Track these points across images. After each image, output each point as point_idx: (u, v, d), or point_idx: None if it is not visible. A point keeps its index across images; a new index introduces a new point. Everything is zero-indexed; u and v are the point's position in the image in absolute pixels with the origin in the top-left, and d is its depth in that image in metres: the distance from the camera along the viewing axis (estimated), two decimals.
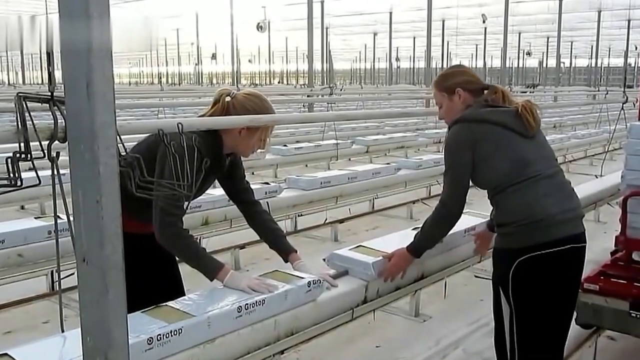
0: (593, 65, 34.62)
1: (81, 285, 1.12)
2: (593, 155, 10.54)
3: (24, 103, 1.21)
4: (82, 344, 1.14)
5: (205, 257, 2.16)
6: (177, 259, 2.38)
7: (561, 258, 2.08)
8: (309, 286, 2.26)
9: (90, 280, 1.11)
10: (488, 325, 3.34)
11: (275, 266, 2.43)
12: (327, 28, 26.57)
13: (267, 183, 4.96)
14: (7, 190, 1.24)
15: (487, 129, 2.17)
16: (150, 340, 1.77)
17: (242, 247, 4.63)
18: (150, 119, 10.35)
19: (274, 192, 4.71)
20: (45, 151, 1.25)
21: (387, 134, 10.87)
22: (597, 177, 5.90)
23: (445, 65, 32.83)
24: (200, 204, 3.98)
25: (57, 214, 1.49)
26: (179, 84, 35.16)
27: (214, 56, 34.35)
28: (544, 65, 34.09)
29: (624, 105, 6.17)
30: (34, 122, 1.23)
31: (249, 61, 40.70)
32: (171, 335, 1.83)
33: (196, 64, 34.90)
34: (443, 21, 28.45)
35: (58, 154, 1.27)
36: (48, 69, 1.23)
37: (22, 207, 6.18)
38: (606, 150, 8.33)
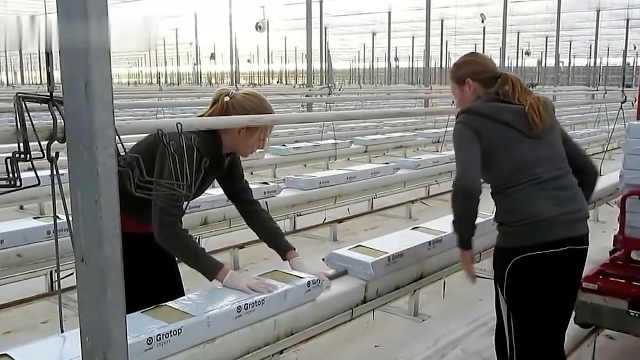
0: (592, 65, 34.64)
1: (80, 285, 1.12)
2: (592, 155, 10.49)
3: (23, 103, 1.21)
4: (81, 344, 1.14)
5: (204, 257, 2.16)
6: (176, 259, 2.38)
7: (558, 259, 2.08)
8: (308, 286, 2.26)
9: (89, 281, 1.11)
10: (487, 325, 3.34)
11: (274, 266, 2.43)
12: (326, 28, 26.57)
13: (266, 183, 4.97)
14: (6, 190, 1.24)
15: (490, 125, 2.14)
16: (150, 341, 1.78)
17: (241, 247, 4.63)
18: (149, 119, 10.36)
19: (273, 192, 4.71)
20: (45, 151, 1.25)
21: (386, 134, 10.88)
22: None
23: (444, 66, 32.91)
24: (199, 204, 3.99)
25: (57, 214, 1.49)
26: (178, 84, 35.10)
27: (213, 56, 34.31)
28: (543, 65, 34.10)
29: (623, 104, 6.17)
30: (34, 122, 1.23)
31: (248, 61, 40.68)
32: (171, 336, 1.83)
33: (195, 64, 34.89)
34: (442, 21, 28.44)
35: (57, 154, 1.27)
36: (47, 69, 1.23)
37: (22, 208, 6.18)
38: (605, 150, 8.33)
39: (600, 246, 3.46)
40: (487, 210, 2.26)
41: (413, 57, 37.44)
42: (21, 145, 1.22)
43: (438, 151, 8.81)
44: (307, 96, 13.24)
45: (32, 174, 1.28)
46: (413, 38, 34.39)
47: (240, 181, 2.49)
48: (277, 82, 40.15)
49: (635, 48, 32.96)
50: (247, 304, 2.05)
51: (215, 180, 2.48)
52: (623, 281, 2.86)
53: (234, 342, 2.03)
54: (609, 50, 38.68)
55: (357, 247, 2.80)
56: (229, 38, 23.87)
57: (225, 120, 2.16)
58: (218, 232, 4.38)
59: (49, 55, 1.23)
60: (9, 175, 1.22)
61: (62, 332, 1.66)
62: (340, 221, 5.79)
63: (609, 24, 28.96)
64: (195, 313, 1.96)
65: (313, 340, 2.48)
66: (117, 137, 1.10)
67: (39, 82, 34.00)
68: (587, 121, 15.16)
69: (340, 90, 13.71)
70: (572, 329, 2.52)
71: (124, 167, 1.31)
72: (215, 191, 3.42)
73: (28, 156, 1.22)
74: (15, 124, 1.21)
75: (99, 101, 1.05)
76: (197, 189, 2.01)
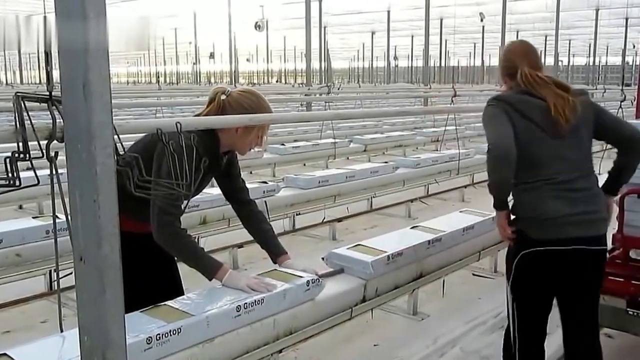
0: (591, 63, 34.65)
1: (79, 284, 1.12)
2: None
3: (22, 103, 1.21)
4: (80, 344, 1.14)
5: (203, 256, 2.16)
6: (176, 258, 2.38)
7: (563, 257, 2.10)
8: (307, 285, 2.26)
9: (87, 280, 1.11)
10: (485, 324, 3.35)
11: (273, 265, 2.43)
12: (325, 27, 26.52)
13: (265, 182, 4.97)
14: (5, 190, 1.24)
15: (518, 118, 2.13)
16: (149, 340, 1.78)
17: (240, 246, 4.62)
18: (148, 119, 10.35)
19: (272, 191, 4.71)
20: (44, 151, 1.25)
21: (385, 133, 10.88)
22: None
23: (443, 64, 32.90)
24: (198, 203, 3.98)
25: (56, 214, 1.49)
26: (177, 83, 35.08)
27: (212, 55, 34.28)
28: (543, 63, 34.03)
29: (622, 103, 6.18)
30: (33, 121, 1.23)
31: (247, 60, 40.69)
32: (170, 335, 1.83)
33: (194, 63, 34.87)
34: (441, 20, 28.43)
35: (56, 153, 1.27)
36: (46, 69, 1.23)
37: (20, 207, 6.17)
38: (604, 148, 8.32)
39: None
40: (489, 205, 2.28)
41: (412, 56, 37.46)
42: (20, 144, 1.22)
43: (437, 150, 8.82)
44: (306, 95, 13.24)
45: (31, 173, 1.28)
46: (412, 37, 34.39)
47: (237, 180, 2.49)
48: (276, 81, 40.15)
49: (634, 46, 32.95)
50: (246, 303, 2.05)
51: (213, 179, 2.48)
52: (621, 280, 2.86)
53: (233, 341, 2.03)
54: (607, 49, 38.65)
55: (356, 246, 2.80)
56: (228, 37, 23.88)
57: (225, 120, 2.16)
58: (217, 231, 4.38)
59: (47, 54, 1.22)
60: (7, 175, 1.22)
61: (61, 331, 1.66)
62: (339, 220, 5.79)
63: (608, 22, 28.96)
64: (195, 312, 1.96)
65: (312, 339, 2.49)
66: (116, 137, 1.10)
67: (38, 81, 33.96)
68: None
69: (339, 89, 13.73)
70: None
71: (122, 167, 1.31)
72: (214, 190, 3.42)
73: (27, 155, 1.22)
74: (14, 123, 1.21)
75: (97, 101, 1.05)
76: (195, 188, 2.01)
